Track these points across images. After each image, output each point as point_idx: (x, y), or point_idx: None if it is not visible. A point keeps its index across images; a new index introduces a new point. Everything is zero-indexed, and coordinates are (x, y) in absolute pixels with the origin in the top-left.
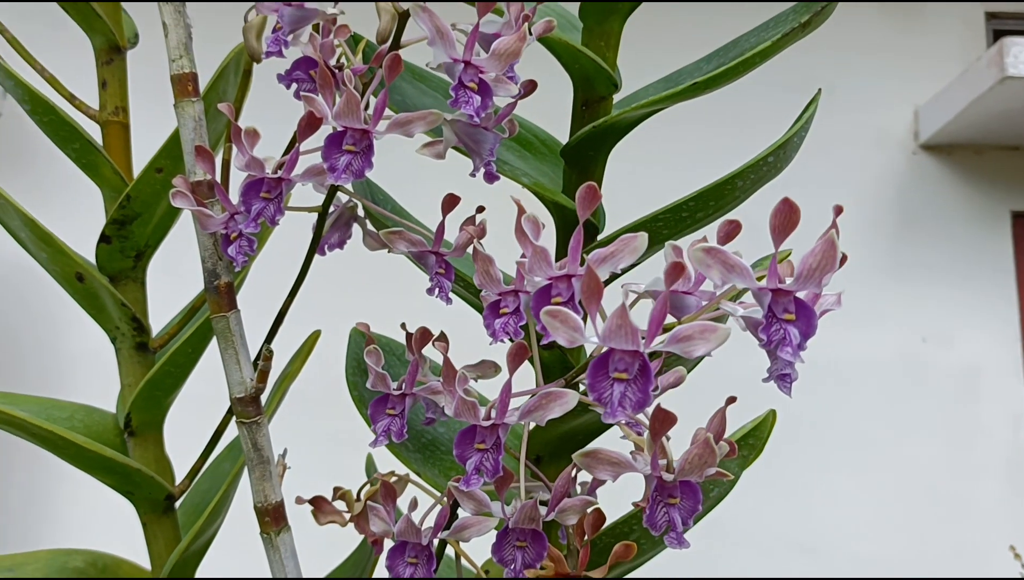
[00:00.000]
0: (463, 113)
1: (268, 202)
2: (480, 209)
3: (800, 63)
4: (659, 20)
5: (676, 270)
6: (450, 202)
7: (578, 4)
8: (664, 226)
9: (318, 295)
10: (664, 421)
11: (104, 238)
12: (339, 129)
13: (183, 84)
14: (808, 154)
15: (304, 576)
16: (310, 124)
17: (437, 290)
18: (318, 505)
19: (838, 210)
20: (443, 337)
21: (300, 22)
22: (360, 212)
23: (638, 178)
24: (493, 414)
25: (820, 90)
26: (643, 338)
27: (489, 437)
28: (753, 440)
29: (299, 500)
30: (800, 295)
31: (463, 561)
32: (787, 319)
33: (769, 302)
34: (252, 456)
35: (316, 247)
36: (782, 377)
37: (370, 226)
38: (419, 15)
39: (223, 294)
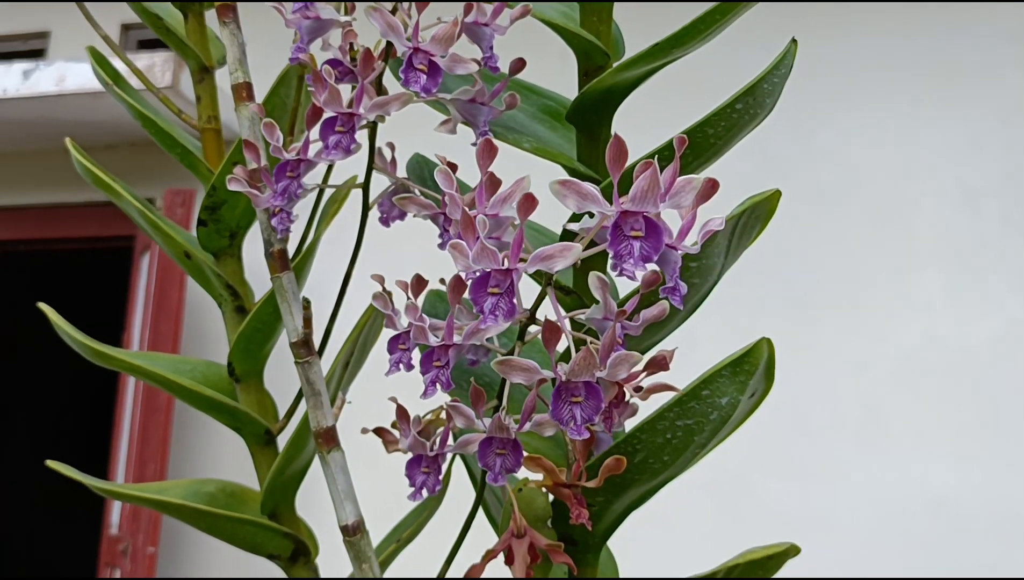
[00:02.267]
0: (462, 92)
1: (292, 180)
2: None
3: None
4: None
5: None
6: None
7: None
8: None
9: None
10: (553, 331)
11: (201, 222)
12: (331, 115)
13: (239, 92)
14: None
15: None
16: (315, 113)
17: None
18: (382, 435)
19: (681, 142)
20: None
21: (317, 32)
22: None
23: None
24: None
25: (794, 39)
26: (506, 259)
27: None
28: (748, 366)
29: (364, 430)
30: (678, 228)
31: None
32: (634, 236)
33: (616, 221)
34: (307, 390)
35: (365, 218)
36: (671, 290)
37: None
38: (371, 14)
39: (277, 258)
